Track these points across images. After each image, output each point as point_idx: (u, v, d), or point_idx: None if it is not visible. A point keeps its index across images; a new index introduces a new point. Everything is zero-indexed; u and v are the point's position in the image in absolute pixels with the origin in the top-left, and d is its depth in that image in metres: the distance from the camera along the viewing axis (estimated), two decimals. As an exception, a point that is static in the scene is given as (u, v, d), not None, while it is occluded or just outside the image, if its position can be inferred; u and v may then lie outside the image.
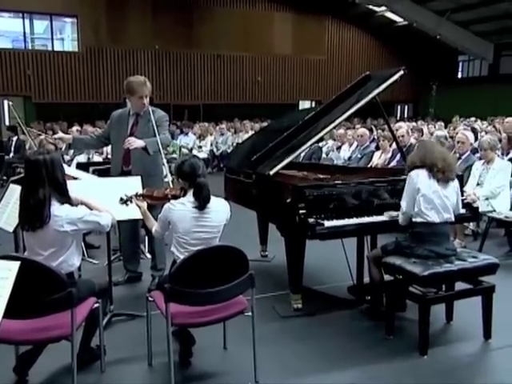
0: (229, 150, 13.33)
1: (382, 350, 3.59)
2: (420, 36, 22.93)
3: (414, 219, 3.70)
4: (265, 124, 14.72)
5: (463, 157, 6.25)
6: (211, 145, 14.41)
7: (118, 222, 4.00)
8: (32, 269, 2.61)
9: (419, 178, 3.64)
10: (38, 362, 3.16)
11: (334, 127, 4.95)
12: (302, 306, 4.17)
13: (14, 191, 4.07)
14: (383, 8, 22.07)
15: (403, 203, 3.74)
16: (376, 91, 4.32)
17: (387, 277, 3.91)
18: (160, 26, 20.24)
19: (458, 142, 6.31)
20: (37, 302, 2.74)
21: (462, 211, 4.02)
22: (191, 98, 21.23)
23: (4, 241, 4.76)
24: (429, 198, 3.60)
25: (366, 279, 4.35)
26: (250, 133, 13.17)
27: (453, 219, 3.79)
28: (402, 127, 8.16)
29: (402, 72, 4.39)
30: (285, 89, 22.86)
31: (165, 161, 4.53)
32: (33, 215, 3.00)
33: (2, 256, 2.52)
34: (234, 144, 13.53)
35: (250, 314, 3.17)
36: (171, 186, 4.22)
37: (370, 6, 22.34)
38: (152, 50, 20.38)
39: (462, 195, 4.14)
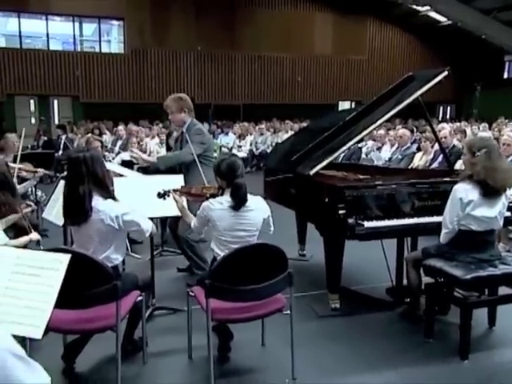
0: (268, 150, 13.33)
1: (419, 354, 3.52)
2: (464, 36, 22.38)
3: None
4: (304, 124, 14.65)
5: (509, 159, 6.06)
6: (251, 144, 14.44)
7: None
8: (80, 262, 2.66)
9: (468, 196, 3.44)
10: (84, 351, 3.24)
11: (375, 128, 4.88)
12: (339, 306, 4.13)
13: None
14: (427, 8, 21.61)
15: (447, 219, 3.55)
16: (419, 92, 4.23)
17: (427, 279, 3.83)
18: (202, 28, 20.40)
19: (504, 144, 6.12)
20: (84, 294, 2.80)
21: (507, 214, 3.86)
22: (232, 98, 21.35)
23: (53, 234, 4.93)
24: (475, 214, 3.46)
25: (406, 281, 4.28)
26: (290, 133, 13.13)
27: (500, 226, 3.68)
28: (445, 128, 7.96)
29: (446, 73, 4.29)
30: (324, 89, 22.71)
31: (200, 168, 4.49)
32: (75, 210, 3.07)
33: (53, 249, 2.60)
34: (273, 144, 13.51)
35: (288, 312, 3.16)
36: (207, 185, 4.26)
37: (413, 6, 21.92)
38: (195, 52, 20.58)
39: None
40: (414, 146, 9.22)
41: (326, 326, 3.96)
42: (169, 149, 7.65)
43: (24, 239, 3.59)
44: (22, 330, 2.01)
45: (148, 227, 3.25)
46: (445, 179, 4.27)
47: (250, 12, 21.28)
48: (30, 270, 2.20)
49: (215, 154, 10.84)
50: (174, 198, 3.60)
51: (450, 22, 22.35)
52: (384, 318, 4.12)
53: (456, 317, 3.58)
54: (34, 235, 3.68)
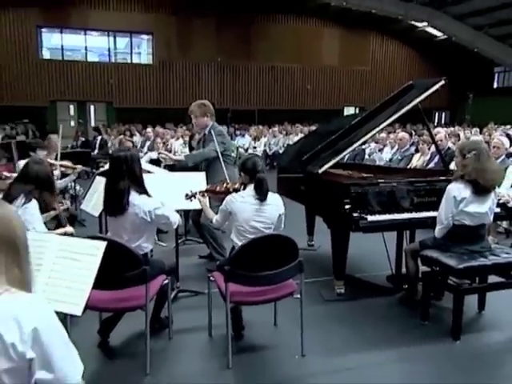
0: (280, 151, 13.30)
1: (416, 334, 3.51)
2: (458, 49, 22.16)
3: None
4: (313, 128, 14.60)
5: (498, 160, 5.96)
6: (264, 145, 14.41)
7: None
8: (115, 248, 2.68)
9: (461, 194, 3.42)
10: (117, 327, 3.28)
11: (378, 131, 4.84)
12: (344, 292, 4.13)
13: (100, 182, 4.24)
14: (424, 23, 21.46)
15: (442, 215, 3.53)
16: (418, 99, 4.19)
17: (424, 268, 3.79)
18: (222, 41, 20.44)
19: (494, 147, 6.04)
20: (118, 277, 2.83)
21: (497, 210, 3.83)
22: (248, 104, 21.32)
23: (90, 223, 4.98)
24: (467, 210, 3.44)
25: (404, 269, 4.26)
26: (300, 135, 13.10)
27: (490, 221, 3.65)
28: (441, 132, 7.89)
29: (443, 82, 4.23)
30: (331, 96, 22.59)
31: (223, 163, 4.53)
32: (115, 203, 3.09)
33: (90, 236, 2.62)
34: (285, 145, 13.48)
35: (298, 296, 3.16)
36: (227, 178, 4.28)
37: (412, 22, 21.75)
38: (215, 63, 20.59)
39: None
40: (413, 148, 9.15)
41: (332, 309, 3.95)
42: (191, 149, 7.65)
43: (59, 231, 3.63)
44: (65, 307, 2.03)
45: (176, 220, 3.26)
46: (440, 178, 4.23)
47: (265, 27, 21.25)
48: (71, 255, 2.23)
49: (233, 154, 10.86)
50: (199, 200, 3.64)
51: (445, 37, 22.15)
52: (384, 302, 4.10)
53: (449, 302, 3.57)
54: (69, 228, 3.73)
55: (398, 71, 23.06)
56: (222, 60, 20.56)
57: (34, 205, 3.37)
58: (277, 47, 21.33)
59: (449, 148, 7.21)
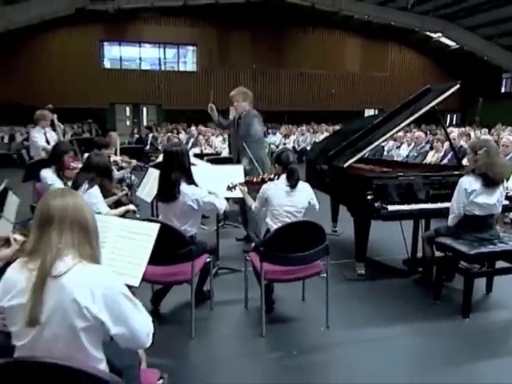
0: (307, 147, 13.17)
1: (429, 312, 3.43)
2: (469, 57, 21.39)
3: None
4: (336, 127, 14.39)
5: (507, 157, 5.75)
6: (293, 142, 14.29)
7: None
8: (167, 230, 2.69)
9: (471, 187, 3.32)
10: (166, 297, 3.33)
11: (399, 130, 4.71)
12: (364, 273, 4.07)
13: (152, 173, 4.28)
14: (439, 34, 20.80)
15: (454, 206, 3.43)
16: (436, 101, 4.06)
17: (438, 253, 3.70)
18: (257, 51, 20.36)
19: (503, 145, 5.83)
20: (168, 255, 2.85)
21: (505, 202, 3.69)
22: (279, 106, 21.15)
23: (143, 208, 5.05)
24: (477, 201, 3.33)
25: (419, 254, 4.16)
26: (325, 134, 12.93)
27: (498, 212, 3.51)
28: (454, 131, 7.66)
29: (458, 86, 4.07)
30: (353, 99, 22.15)
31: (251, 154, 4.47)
32: (167, 192, 3.11)
33: (145, 219, 2.66)
34: (312, 142, 13.35)
35: (324, 275, 3.13)
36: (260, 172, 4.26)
37: (428, 33, 21.10)
38: (250, 70, 20.50)
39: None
40: (428, 146, 8.91)
41: (354, 287, 3.90)
42: (230, 145, 7.67)
43: (123, 208, 3.69)
44: (125, 279, 2.05)
45: (222, 206, 3.26)
46: (454, 172, 4.09)
47: (294, 38, 21.01)
48: (130, 235, 2.25)
49: (266, 150, 10.83)
50: (240, 189, 3.63)
51: (458, 46, 21.40)
52: (400, 283, 4.02)
53: (460, 284, 3.48)
54: (131, 206, 3.80)
55: (414, 77, 22.37)
56: (256, 67, 20.45)
57: (96, 189, 3.42)
58: (305, 55, 21.08)
59: (461, 146, 6.98)
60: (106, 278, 1.47)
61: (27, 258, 1.47)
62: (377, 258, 4.59)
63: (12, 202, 3.14)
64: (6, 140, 13.81)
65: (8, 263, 1.93)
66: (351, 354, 2.85)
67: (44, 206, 1.50)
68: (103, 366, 1.53)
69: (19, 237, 2.00)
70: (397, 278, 4.13)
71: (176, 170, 3.08)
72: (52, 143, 5.90)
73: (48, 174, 4.08)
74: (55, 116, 6.47)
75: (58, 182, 4.04)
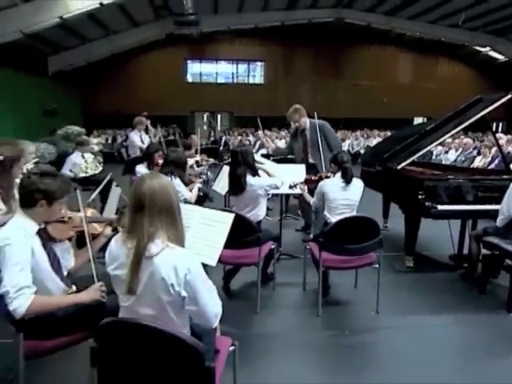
0: (361, 151, 12.74)
1: (473, 305, 3.19)
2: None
3: None
4: (388, 133, 13.77)
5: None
6: (348, 146, 13.87)
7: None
8: (239, 219, 2.70)
9: None
10: (236, 277, 3.38)
11: (451, 136, 4.39)
12: (412, 265, 3.86)
13: (226, 170, 4.33)
14: (487, 48, 19.09)
15: (504, 208, 3.15)
16: (487, 110, 3.75)
17: (484, 251, 3.43)
18: (317, 65, 20.04)
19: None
20: (239, 240, 2.87)
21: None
22: (335, 113, 20.59)
23: (216, 199, 5.16)
24: None
25: (465, 251, 3.89)
26: (377, 139, 12.44)
27: None
28: (502, 138, 7.02)
29: (509, 96, 3.72)
30: (403, 108, 20.98)
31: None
32: (235, 185, 3.18)
33: (222, 209, 2.70)
34: (365, 146, 12.89)
35: (377, 266, 3.01)
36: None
37: (476, 47, 19.49)
38: (311, 82, 20.20)
39: None
40: (475, 151, 8.27)
41: (402, 278, 3.72)
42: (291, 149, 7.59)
43: (195, 189, 3.76)
44: (204, 259, 2.10)
45: (279, 183, 3.31)
46: (503, 177, 3.75)
47: (351, 53, 20.38)
48: (209, 222, 2.29)
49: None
50: (300, 188, 3.61)
51: (506, 59, 19.52)
52: (446, 277, 3.78)
53: (505, 280, 3.24)
54: (198, 184, 3.88)
55: (462, 88, 20.67)
56: (316, 80, 20.10)
57: (178, 180, 3.53)
58: (360, 69, 20.39)
59: (509, 152, 6.40)
60: (189, 262, 1.47)
61: (125, 236, 1.51)
62: (425, 252, 4.33)
63: (115, 190, 3.34)
64: (109, 141, 14.81)
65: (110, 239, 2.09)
66: (398, 338, 2.74)
67: (136, 190, 1.50)
68: (187, 332, 1.57)
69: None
70: (443, 271, 3.88)
71: (241, 166, 3.16)
72: (145, 144, 6.21)
73: (142, 169, 4.29)
74: (149, 121, 6.79)
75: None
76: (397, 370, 2.41)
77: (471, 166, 7.13)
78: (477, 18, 16.10)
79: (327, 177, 3.40)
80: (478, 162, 7.39)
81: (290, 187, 3.60)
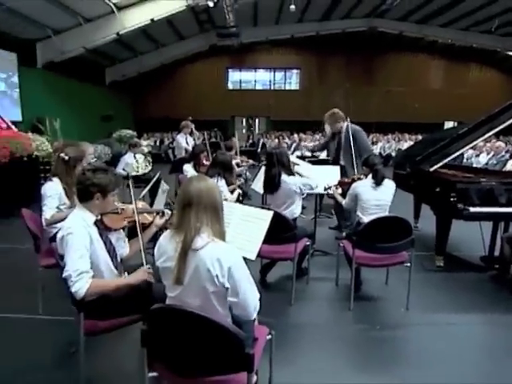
0: (392, 153, 12.32)
1: (503, 305, 2.99)
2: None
3: None
4: (419, 137, 13.21)
5: None
6: (380, 148, 13.48)
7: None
8: (277, 217, 2.65)
9: None
10: (272, 271, 3.35)
11: (484, 140, 4.11)
12: (443, 265, 3.67)
13: (263, 171, 4.31)
14: (520, 54, 17.79)
15: None
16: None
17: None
18: (350, 71, 19.59)
19: None
20: (276, 236, 2.80)
21: None
22: (368, 118, 20.03)
23: (254, 198, 5.17)
24: None
25: (496, 253, 3.65)
26: (408, 142, 11.96)
27: None
28: (538, 141, 6.50)
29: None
30: (434, 112, 19.98)
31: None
32: (271, 183, 3.17)
33: (260, 207, 2.69)
34: (396, 149, 12.44)
35: (408, 264, 2.89)
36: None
37: (509, 53, 18.20)
38: (344, 88, 19.75)
39: None
40: (507, 155, 7.73)
41: (432, 277, 3.54)
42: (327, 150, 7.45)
43: (236, 193, 3.76)
44: (244, 253, 2.09)
45: (314, 183, 3.30)
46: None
47: (383, 60, 19.70)
48: (249, 219, 2.28)
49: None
50: (333, 190, 3.53)
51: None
52: (476, 277, 3.56)
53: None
54: (239, 190, 3.89)
55: (493, 93, 19.31)
56: (349, 86, 19.61)
57: (223, 182, 3.57)
58: (392, 75, 19.66)
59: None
60: (232, 256, 1.48)
61: (174, 231, 1.54)
62: (455, 253, 4.11)
63: (163, 187, 3.43)
64: (157, 143, 15.28)
65: (160, 229, 2.16)
66: (427, 335, 2.61)
67: (184, 189, 1.54)
68: (228, 320, 1.57)
69: (168, 212, 2.19)
70: (473, 272, 3.66)
71: (276, 166, 3.15)
72: (190, 146, 6.33)
73: (188, 169, 4.37)
74: (193, 125, 6.92)
75: (195, 174, 4.30)
76: (424, 365, 2.30)
77: (503, 170, 6.68)
78: (509, 24, 15.10)
79: (359, 179, 3.32)
80: (511, 166, 6.90)
81: (325, 189, 3.54)
